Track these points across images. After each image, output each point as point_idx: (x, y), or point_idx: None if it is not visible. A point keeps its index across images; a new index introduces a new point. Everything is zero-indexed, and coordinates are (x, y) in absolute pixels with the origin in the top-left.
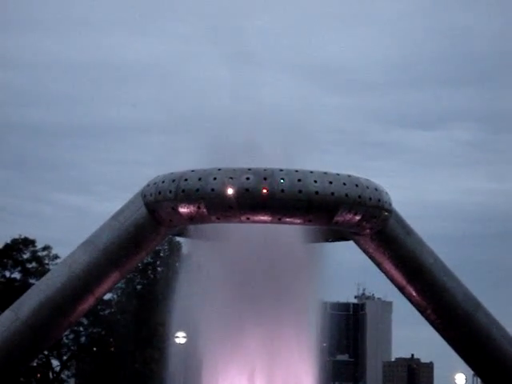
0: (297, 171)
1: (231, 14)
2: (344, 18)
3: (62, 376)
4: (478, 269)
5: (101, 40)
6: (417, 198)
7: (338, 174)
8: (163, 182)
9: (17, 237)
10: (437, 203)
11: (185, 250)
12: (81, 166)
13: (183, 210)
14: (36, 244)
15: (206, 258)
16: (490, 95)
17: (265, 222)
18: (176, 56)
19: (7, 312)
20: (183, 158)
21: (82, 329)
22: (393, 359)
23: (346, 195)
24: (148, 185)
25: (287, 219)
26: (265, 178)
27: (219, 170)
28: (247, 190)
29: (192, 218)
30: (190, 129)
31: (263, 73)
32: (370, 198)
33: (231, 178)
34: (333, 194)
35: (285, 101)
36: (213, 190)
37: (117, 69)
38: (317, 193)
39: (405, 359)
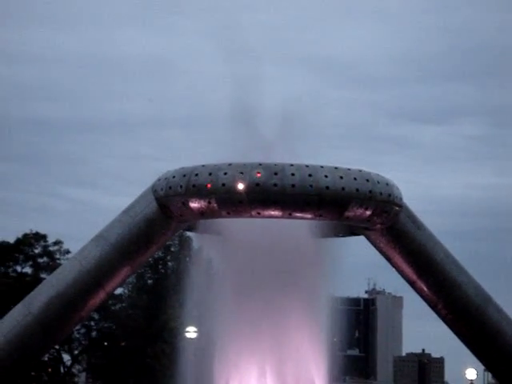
0: (307, 166)
1: (234, 8)
2: (350, 11)
3: (73, 370)
4: (486, 263)
5: (108, 35)
6: (423, 192)
7: (349, 169)
8: (174, 176)
9: (28, 231)
10: (443, 198)
11: (195, 244)
12: (90, 160)
13: (194, 204)
14: (47, 239)
15: (217, 252)
16: (496, 90)
17: (275, 216)
18: (183, 51)
19: (19, 307)
20: (193, 153)
21: (93, 323)
22: (403, 354)
23: (357, 190)
24: (159, 179)
25: (298, 214)
26: (275, 173)
27: (230, 164)
28: (258, 184)
29: (203, 213)
30: (199, 124)
31: (268, 68)
32: (381, 193)
33: (242, 172)
34: (343, 188)
35: (290, 95)
36: (223, 184)
37: (124, 64)
38: (327, 188)
39: (415, 354)
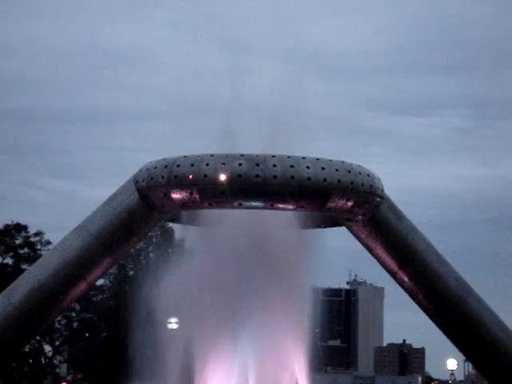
0: (289, 157)
1: (215, 0)
2: (335, 3)
3: (54, 361)
4: (471, 255)
5: (93, 27)
6: (408, 184)
7: (331, 160)
8: (155, 167)
9: (9, 222)
10: (428, 190)
11: (177, 235)
12: (72, 151)
13: (175, 195)
14: (28, 229)
15: (198, 243)
16: (481, 82)
17: (257, 207)
18: (167, 43)
19: None
20: (175, 144)
21: (74, 314)
22: (384, 344)
23: (339, 181)
24: (140, 170)
25: (280, 205)
26: (257, 164)
27: (212, 155)
28: (239, 175)
29: (184, 204)
30: (182, 115)
31: (253, 59)
32: (363, 184)
33: (223, 163)
34: (325, 179)
35: (275, 87)
36: (205, 175)
37: (108, 55)
38: (309, 179)
39: (396, 344)
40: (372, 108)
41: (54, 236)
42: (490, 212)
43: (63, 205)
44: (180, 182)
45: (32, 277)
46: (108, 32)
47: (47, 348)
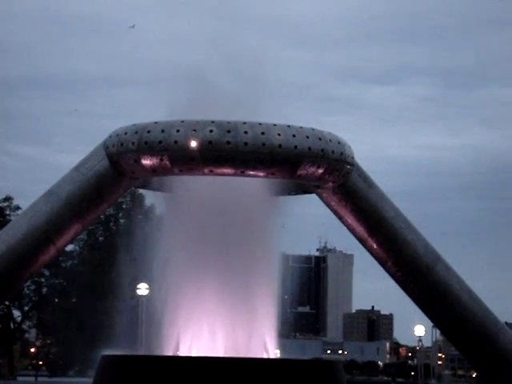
0: (260, 124)
1: None
2: None
3: (23, 326)
4: (436, 223)
5: None
6: (375, 152)
7: (302, 128)
8: (126, 133)
9: None
10: (394, 158)
11: (147, 202)
12: (39, 117)
13: (146, 161)
14: None
15: (168, 209)
16: (446, 51)
17: (228, 174)
18: (134, 9)
19: None
20: (145, 111)
21: (43, 280)
22: (353, 311)
23: (309, 148)
24: (110, 136)
25: (250, 172)
26: (228, 131)
27: (182, 122)
28: (210, 142)
29: (155, 170)
30: (152, 81)
31: (223, 25)
32: (333, 152)
33: (194, 130)
34: (296, 147)
35: (244, 54)
36: (176, 142)
37: (77, 21)
38: (280, 146)
39: (365, 311)
40: (338, 76)
41: (24, 202)
42: (457, 180)
43: (32, 170)
44: (150, 148)
45: (1, 242)
46: None
47: (16, 313)
